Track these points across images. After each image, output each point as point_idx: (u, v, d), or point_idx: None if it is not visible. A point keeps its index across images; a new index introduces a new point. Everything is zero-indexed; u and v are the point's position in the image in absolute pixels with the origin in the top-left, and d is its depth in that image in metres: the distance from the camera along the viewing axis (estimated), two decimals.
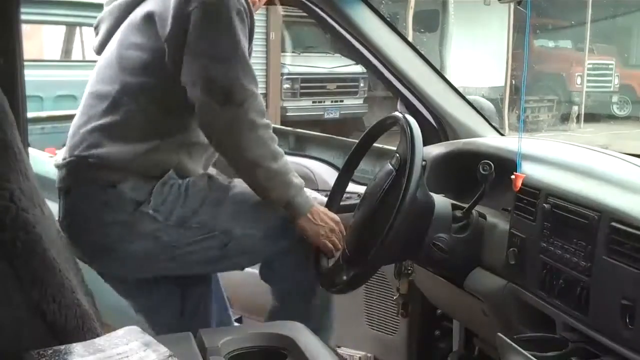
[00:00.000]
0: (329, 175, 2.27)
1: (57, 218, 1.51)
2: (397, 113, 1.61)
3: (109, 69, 1.63)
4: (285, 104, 9.28)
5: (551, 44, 12.46)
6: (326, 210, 1.66)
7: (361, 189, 2.00)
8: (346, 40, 1.99)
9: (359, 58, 2.06)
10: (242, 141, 1.51)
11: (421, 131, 1.51)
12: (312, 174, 2.26)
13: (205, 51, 1.50)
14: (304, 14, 2.07)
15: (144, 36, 1.58)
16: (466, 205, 1.59)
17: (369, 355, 2.18)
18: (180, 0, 1.51)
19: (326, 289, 1.63)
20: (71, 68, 6.43)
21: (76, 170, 1.60)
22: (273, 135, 1.56)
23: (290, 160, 2.24)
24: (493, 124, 2.05)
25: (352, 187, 1.87)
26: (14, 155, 1.19)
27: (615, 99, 12.31)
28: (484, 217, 1.60)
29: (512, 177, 1.38)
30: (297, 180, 1.60)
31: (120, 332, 1.11)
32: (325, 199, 1.77)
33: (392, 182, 1.53)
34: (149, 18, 1.57)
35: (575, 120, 11.58)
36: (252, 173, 1.55)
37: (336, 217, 1.67)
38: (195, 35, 1.50)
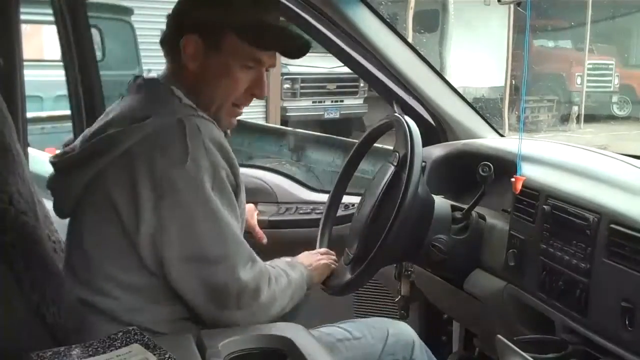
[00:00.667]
0: (288, 187, 2.22)
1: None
2: (394, 115, 1.61)
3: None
4: (285, 104, 9.27)
5: (551, 44, 12.46)
6: (305, 254, 1.56)
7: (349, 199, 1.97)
8: (333, 42, 1.99)
9: (347, 61, 2.05)
10: (255, 316, 1.29)
11: (420, 132, 1.51)
12: (269, 186, 2.20)
13: (192, 253, 1.23)
14: None
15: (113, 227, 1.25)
16: (466, 207, 1.59)
17: None
18: (145, 192, 1.20)
19: (326, 291, 1.63)
20: None
21: None
22: (265, 273, 1.32)
23: (247, 172, 2.21)
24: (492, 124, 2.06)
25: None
26: (13, 158, 1.19)
27: (615, 99, 12.31)
28: (484, 218, 1.60)
29: (512, 179, 1.38)
30: (294, 274, 1.42)
31: (120, 333, 1.11)
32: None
33: (392, 180, 1.53)
34: (111, 206, 1.24)
35: (575, 120, 11.58)
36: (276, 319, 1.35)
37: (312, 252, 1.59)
38: (174, 233, 1.21)
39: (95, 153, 1.25)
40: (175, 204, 1.20)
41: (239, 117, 1.44)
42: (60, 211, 1.35)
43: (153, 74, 1.42)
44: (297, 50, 1.36)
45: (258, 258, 1.31)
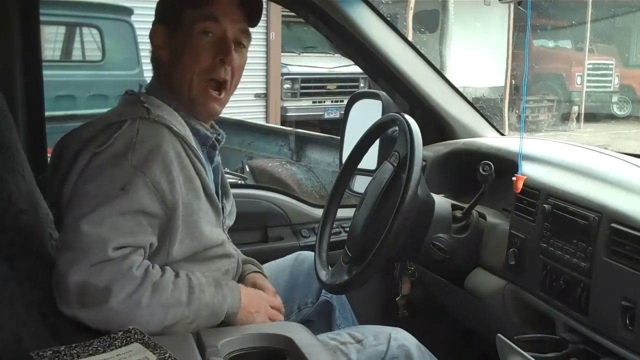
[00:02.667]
0: (300, 210, 2.20)
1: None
2: (395, 114, 1.61)
3: None
4: (285, 104, 9.28)
5: (551, 44, 12.46)
6: (255, 291, 1.41)
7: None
8: (342, 42, 1.99)
9: (355, 59, 2.05)
10: (107, 321, 1.16)
11: (421, 131, 1.51)
12: (281, 210, 2.18)
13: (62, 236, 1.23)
14: None
15: None
16: (466, 206, 1.59)
17: None
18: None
19: (326, 290, 1.62)
20: (71, 68, 6.43)
21: None
22: (130, 278, 1.17)
23: (258, 194, 2.18)
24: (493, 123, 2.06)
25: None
26: (12, 157, 1.19)
27: (615, 99, 12.31)
28: (484, 217, 1.60)
29: (514, 178, 1.38)
30: (209, 295, 1.27)
31: (120, 333, 1.10)
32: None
33: (392, 181, 1.53)
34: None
35: (575, 120, 11.59)
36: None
37: (263, 293, 1.43)
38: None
39: (55, 159, 1.30)
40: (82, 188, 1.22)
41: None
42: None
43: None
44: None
45: (132, 260, 1.18)
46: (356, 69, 1.97)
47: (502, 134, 2.06)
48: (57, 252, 1.19)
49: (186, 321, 1.22)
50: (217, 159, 1.48)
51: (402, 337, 1.50)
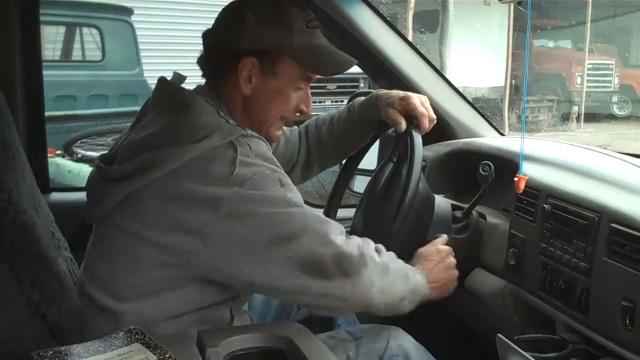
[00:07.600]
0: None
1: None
2: None
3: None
4: None
5: (551, 44, 12.45)
6: (426, 257, 1.48)
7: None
8: (342, 42, 1.99)
9: (355, 58, 2.05)
10: (367, 286, 1.29)
11: None
12: None
13: (267, 239, 1.22)
14: None
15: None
16: (466, 206, 1.59)
17: None
18: (192, 208, 1.21)
19: None
20: (71, 68, 6.43)
21: None
22: (370, 243, 1.33)
23: None
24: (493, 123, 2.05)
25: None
26: (12, 156, 1.19)
27: (615, 99, 12.30)
28: (484, 217, 1.61)
29: (515, 179, 1.38)
30: (413, 274, 1.41)
31: (121, 333, 1.10)
32: None
33: (392, 181, 1.53)
34: (148, 220, 1.23)
35: (575, 120, 11.58)
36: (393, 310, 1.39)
37: (437, 249, 1.50)
38: (238, 240, 1.22)
39: (144, 168, 1.23)
40: (229, 219, 1.20)
41: None
42: (93, 214, 1.32)
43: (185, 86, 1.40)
44: (345, 69, 1.44)
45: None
46: (356, 69, 1.96)
47: (502, 134, 2.07)
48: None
49: (400, 301, 1.36)
50: None
51: (400, 337, 1.50)
